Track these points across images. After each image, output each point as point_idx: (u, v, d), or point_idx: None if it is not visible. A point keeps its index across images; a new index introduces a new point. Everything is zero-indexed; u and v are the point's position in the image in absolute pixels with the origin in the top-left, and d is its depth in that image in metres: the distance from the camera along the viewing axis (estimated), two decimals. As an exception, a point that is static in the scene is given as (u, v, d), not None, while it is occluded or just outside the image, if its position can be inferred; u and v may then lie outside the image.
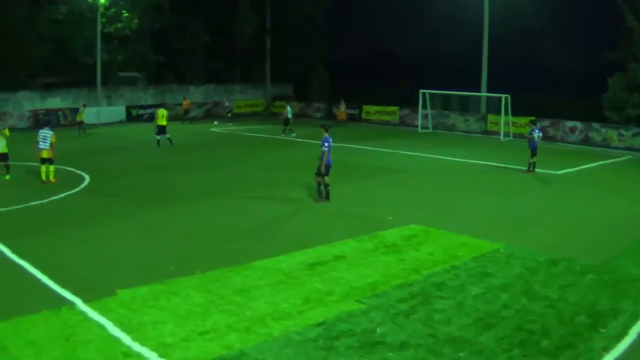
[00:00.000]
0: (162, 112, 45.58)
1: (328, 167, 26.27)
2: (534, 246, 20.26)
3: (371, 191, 29.02)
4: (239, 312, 14.56)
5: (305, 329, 13.57)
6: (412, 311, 14.48)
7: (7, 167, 32.70)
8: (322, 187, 26.65)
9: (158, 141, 45.01)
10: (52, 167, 31.82)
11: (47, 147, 31.28)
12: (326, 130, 26.76)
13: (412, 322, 13.93)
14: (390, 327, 13.65)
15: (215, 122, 46.44)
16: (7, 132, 33.57)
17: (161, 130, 45.25)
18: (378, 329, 13.50)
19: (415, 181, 31.89)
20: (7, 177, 32.40)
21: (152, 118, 57.30)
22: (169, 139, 45.29)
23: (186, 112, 63.24)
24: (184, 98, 65.39)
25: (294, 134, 50.52)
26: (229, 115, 63.13)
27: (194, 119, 64.01)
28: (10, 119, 59.48)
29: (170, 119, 47.04)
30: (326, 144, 26.14)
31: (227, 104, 65.10)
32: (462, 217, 23.88)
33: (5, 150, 32.64)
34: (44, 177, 31.56)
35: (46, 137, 31.42)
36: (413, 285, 16.21)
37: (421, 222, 22.53)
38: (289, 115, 52.17)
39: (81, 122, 54.57)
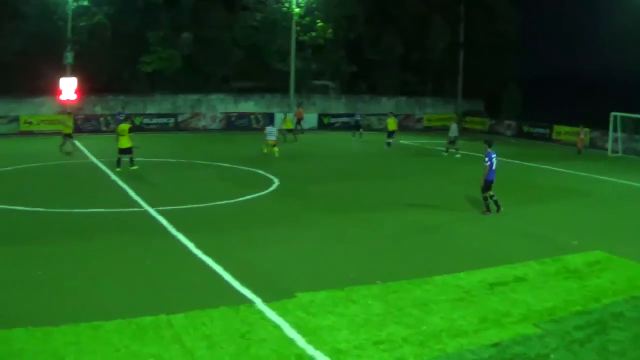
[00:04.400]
0: (393, 119, 52.31)
1: (489, 182, 26.61)
2: None
3: (557, 213, 28.31)
4: (415, 325, 14.52)
5: (479, 348, 13.42)
6: (587, 340, 14.08)
7: (132, 160, 36.12)
8: (488, 202, 26.93)
9: (388, 144, 50.40)
10: (276, 149, 42.88)
11: (274, 139, 43.27)
12: (489, 146, 26.96)
13: (586, 350, 13.56)
14: (564, 354, 13.35)
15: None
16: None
17: (390, 134, 50.90)
18: (552, 355, 13.22)
19: (602, 206, 30.83)
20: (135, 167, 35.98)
21: (343, 127, 58.30)
22: (388, 143, 49.69)
23: (299, 121, 62.56)
24: (298, 106, 64.55)
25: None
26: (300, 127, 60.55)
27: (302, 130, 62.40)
28: (203, 120, 61.37)
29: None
30: (486, 159, 26.43)
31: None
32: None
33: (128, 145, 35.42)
34: (265, 151, 43.39)
35: (272, 132, 43.47)
36: (591, 314, 15.71)
37: (605, 249, 21.75)
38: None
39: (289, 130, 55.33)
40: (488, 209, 26.81)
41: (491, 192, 26.76)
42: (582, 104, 55.56)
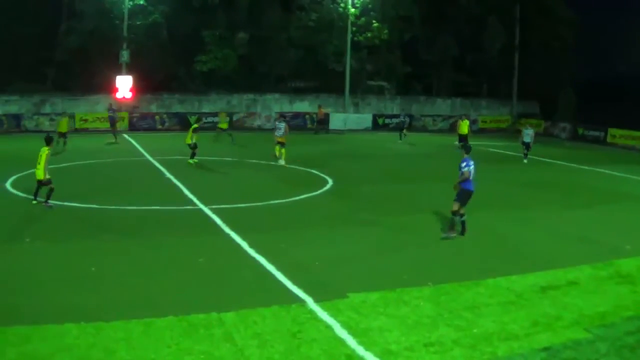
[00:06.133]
0: (465, 122, 49.59)
1: (468, 192, 23.15)
2: None
3: (611, 217, 27.93)
4: (466, 328, 14.52)
5: (530, 352, 13.37)
6: (638, 345, 13.94)
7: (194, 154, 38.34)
8: (457, 217, 23.23)
9: (458, 148, 46.81)
10: (283, 150, 39.69)
11: (282, 135, 40.02)
12: (467, 152, 23.87)
13: (637, 356, 13.46)
14: (614, 359, 13.27)
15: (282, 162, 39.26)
16: None
17: (462, 138, 48.13)
18: (602, 360, 13.09)
19: (657, 211, 30.39)
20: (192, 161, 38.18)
21: (398, 128, 57.45)
22: (461, 147, 46.50)
23: (321, 121, 62.30)
24: (319, 106, 63.46)
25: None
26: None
27: (319, 130, 61.98)
28: (258, 119, 61.56)
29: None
30: (463, 164, 23.05)
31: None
32: None
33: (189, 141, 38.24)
34: (277, 154, 40.05)
35: (280, 127, 40.53)
36: (643, 319, 15.55)
37: (660, 254, 21.50)
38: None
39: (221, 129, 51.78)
40: (452, 228, 23.35)
41: (462, 211, 23.25)
42: (638, 108, 54.71)
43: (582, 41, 67.29)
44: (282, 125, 41.10)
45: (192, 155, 37.83)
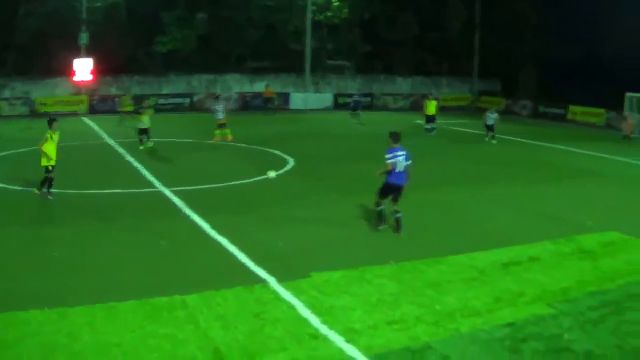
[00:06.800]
0: (433, 103, 48.25)
1: (393, 186, 20.95)
2: None
3: (572, 193, 28.16)
4: (429, 305, 14.60)
5: (493, 328, 13.48)
6: (601, 320, 14.10)
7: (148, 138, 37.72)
8: (382, 209, 21.25)
9: (427, 130, 47.22)
10: (228, 130, 40.55)
11: (223, 117, 40.60)
12: (395, 141, 21.17)
13: (600, 331, 13.59)
14: (578, 334, 13.37)
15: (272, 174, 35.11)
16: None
17: (430, 119, 47.74)
18: (565, 335, 13.24)
19: (617, 187, 30.46)
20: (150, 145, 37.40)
21: (352, 107, 56.98)
22: (428, 129, 47.32)
23: (267, 100, 61.47)
24: (266, 86, 62.82)
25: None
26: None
27: (276, 109, 61.46)
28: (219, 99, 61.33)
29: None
30: (388, 155, 20.80)
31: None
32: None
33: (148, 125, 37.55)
34: (221, 137, 40.19)
35: (219, 109, 41.02)
36: (606, 294, 15.71)
37: (620, 230, 21.61)
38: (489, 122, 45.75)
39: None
40: (380, 220, 21.27)
41: (396, 207, 21.06)
42: (600, 85, 54.96)
43: (543, 19, 67.28)
44: (221, 106, 41.32)
45: (141, 140, 37.03)
